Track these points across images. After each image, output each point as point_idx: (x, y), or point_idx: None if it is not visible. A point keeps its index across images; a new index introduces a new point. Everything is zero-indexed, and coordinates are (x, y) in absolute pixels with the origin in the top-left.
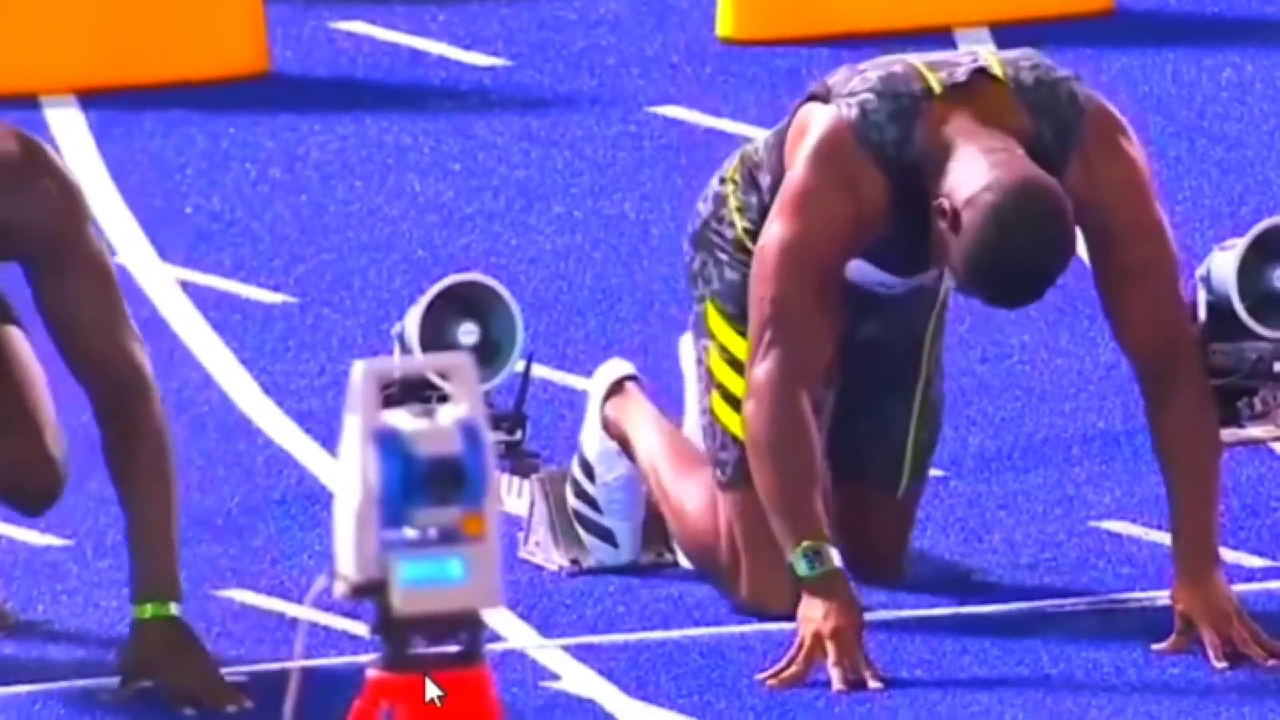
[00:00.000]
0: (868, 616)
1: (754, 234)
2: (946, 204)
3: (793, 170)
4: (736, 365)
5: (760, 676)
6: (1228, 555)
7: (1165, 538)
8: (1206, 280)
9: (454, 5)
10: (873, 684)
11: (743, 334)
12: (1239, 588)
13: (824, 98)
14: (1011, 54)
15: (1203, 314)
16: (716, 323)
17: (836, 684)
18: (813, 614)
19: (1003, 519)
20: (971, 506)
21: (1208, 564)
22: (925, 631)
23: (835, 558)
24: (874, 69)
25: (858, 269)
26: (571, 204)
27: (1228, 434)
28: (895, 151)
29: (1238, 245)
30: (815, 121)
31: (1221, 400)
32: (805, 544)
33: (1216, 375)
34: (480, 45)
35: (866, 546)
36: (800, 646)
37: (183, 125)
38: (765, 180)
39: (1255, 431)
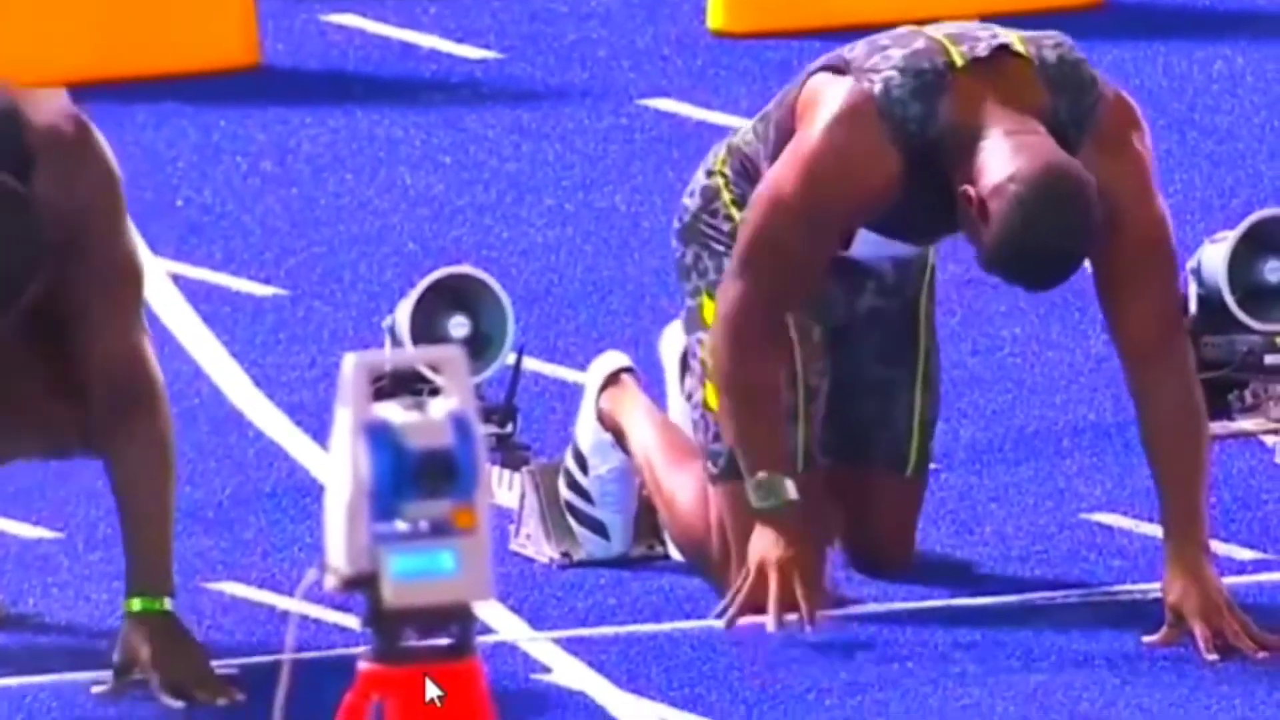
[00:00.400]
0: (858, 610)
1: None
2: (973, 192)
3: (808, 129)
4: None
5: (712, 614)
6: (1219, 548)
7: (1156, 530)
8: (1197, 273)
9: None
10: (816, 615)
11: None
12: (1230, 580)
13: (842, 71)
14: (1033, 33)
15: (1193, 307)
16: (712, 315)
17: (770, 625)
18: (760, 544)
19: (994, 511)
20: (962, 499)
21: (1198, 556)
22: (916, 624)
23: (790, 490)
24: (896, 46)
25: (870, 243)
26: (562, 197)
27: (1218, 427)
28: (918, 128)
29: (1228, 238)
30: (834, 91)
31: (1212, 393)
32: (760, 475)
33: (1207, 368)
34: (471, 38)
35: (875, 533)
36: (745, 577)
37: (174, 118)
38: (766, 169)
39: (1246, 424)
